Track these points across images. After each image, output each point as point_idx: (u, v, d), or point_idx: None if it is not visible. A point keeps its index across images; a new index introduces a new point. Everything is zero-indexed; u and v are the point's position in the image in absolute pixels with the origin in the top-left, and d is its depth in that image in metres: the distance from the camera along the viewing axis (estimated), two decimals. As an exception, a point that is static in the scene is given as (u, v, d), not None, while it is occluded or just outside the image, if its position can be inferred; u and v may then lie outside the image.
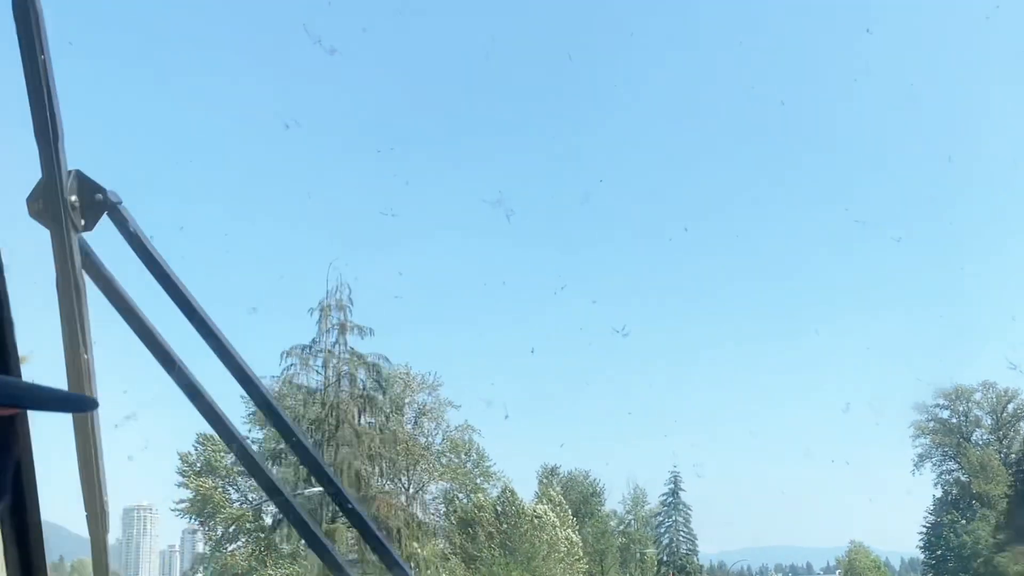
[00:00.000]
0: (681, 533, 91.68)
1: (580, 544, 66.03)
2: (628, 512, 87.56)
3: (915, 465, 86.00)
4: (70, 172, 2.21)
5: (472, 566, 56.49)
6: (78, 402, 1.13)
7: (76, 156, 2.22)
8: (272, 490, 2.55)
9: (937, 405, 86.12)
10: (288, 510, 2.53)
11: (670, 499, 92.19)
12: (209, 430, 2.69)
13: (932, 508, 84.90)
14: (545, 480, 78.34)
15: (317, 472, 2.58)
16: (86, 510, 2.45)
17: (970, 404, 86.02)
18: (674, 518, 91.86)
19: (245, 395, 2.47)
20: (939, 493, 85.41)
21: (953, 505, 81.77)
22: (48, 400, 1.13)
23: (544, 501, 65.72)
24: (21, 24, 2.06)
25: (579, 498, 78.39)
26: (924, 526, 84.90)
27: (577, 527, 69.49)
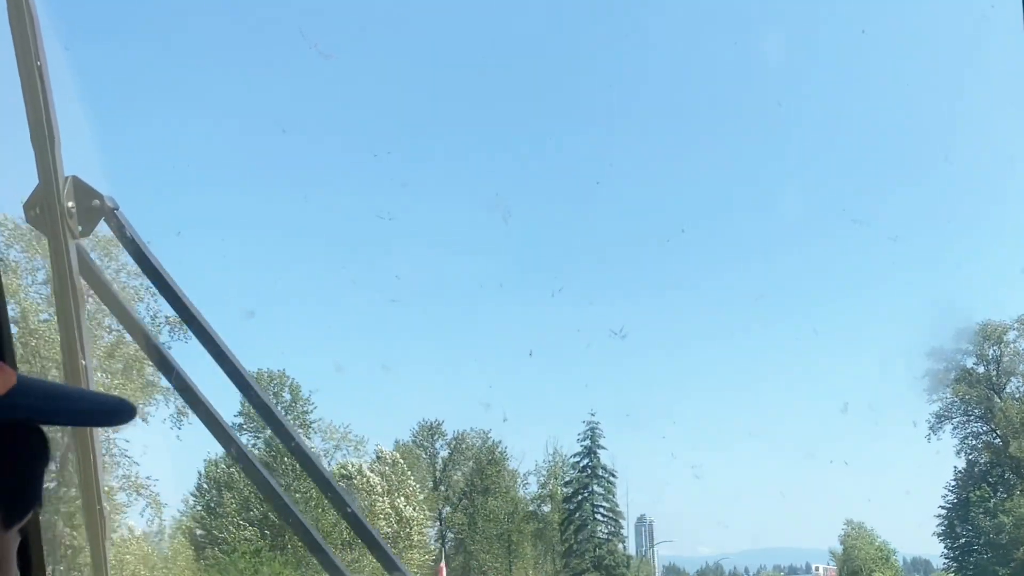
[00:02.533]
0: (600, 511, 66.14)
1: (420, 518, 52.60)
2: (544, 486, 67.35)
3: (931, 428, 65.50)
4: (67, 178, 2.21)
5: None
6: (118, 412, 1.11)
7: (73, 162, 2.23)
8: (270, 494, 2.55)
9: (959, 350, 64.83)
10: (287, 514, 2.52)
11: (584, 462, 67.20)
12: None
13: (953, 484, 65.26)
14: (418, 441, 63.23)
15: (316, 476, 2.58)
16: (84, 513, 2.46)
17: (1003, 347, 64.64)
18: (591, 488, 66.72)
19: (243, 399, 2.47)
20: (962, 464, 65.22)
21: (982, 478, 63.46)
22: (90, 413, 1.12)
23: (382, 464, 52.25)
24: (17, 30, 2.06)
25: (473, 468, 63.03)
26: (943, 508, 65.65)
27: (433, 497, 58.62)
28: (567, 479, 67.77)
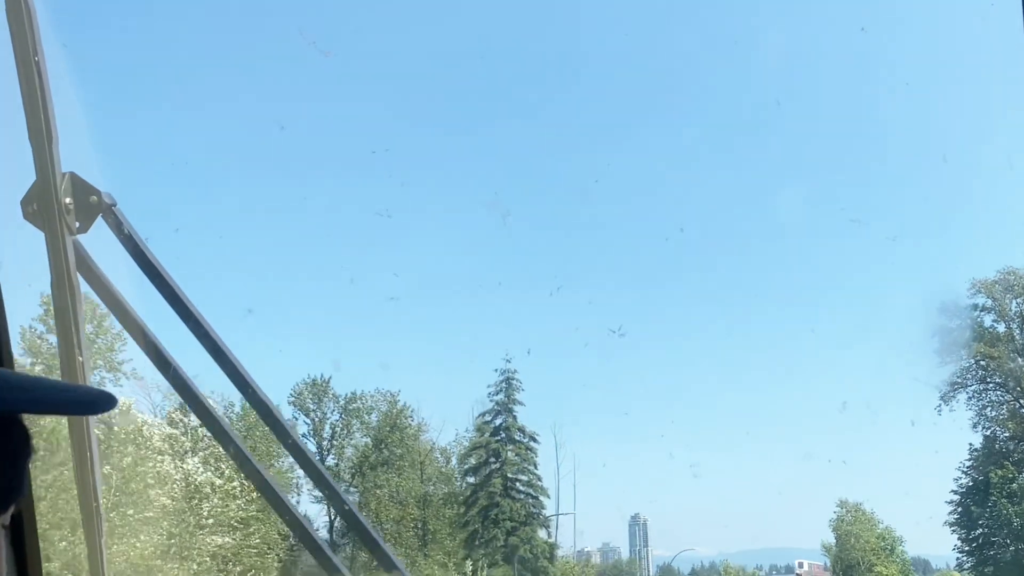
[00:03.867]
0: (516, 486, 52.98)
1: (226, 488, 36.90)
2: (465, 459, 54.60)
3: (942, 398, 53.62)
4: (64, 174, 2.20)
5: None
6: (94, 403, 1.12)
7: (70, 158, 2.22)
8: (268, 491, 2.55)
9: (976, 307, 53.16)
10: (283, 510, 2.52)
11: (497, 422, 53.55)
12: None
13: (968, 464, 54.00)
14: (299, 401, 50.47)
15: (313, 474, 2.58)
16: (81, 511, 2.45)
17: (1030, 299, 51.61)
18: (503, 457, 52.98)
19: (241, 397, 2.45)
20: (979, 440, 53.55)
21: (1003, 455, 52.14)
22: (63, 404, 1.13)
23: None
24: (15, 26, 2.05)
25: (376, 430, 50.99)
26: (955, 493, 54.20)
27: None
28: (472, 446, 53.61)
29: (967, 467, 54.31)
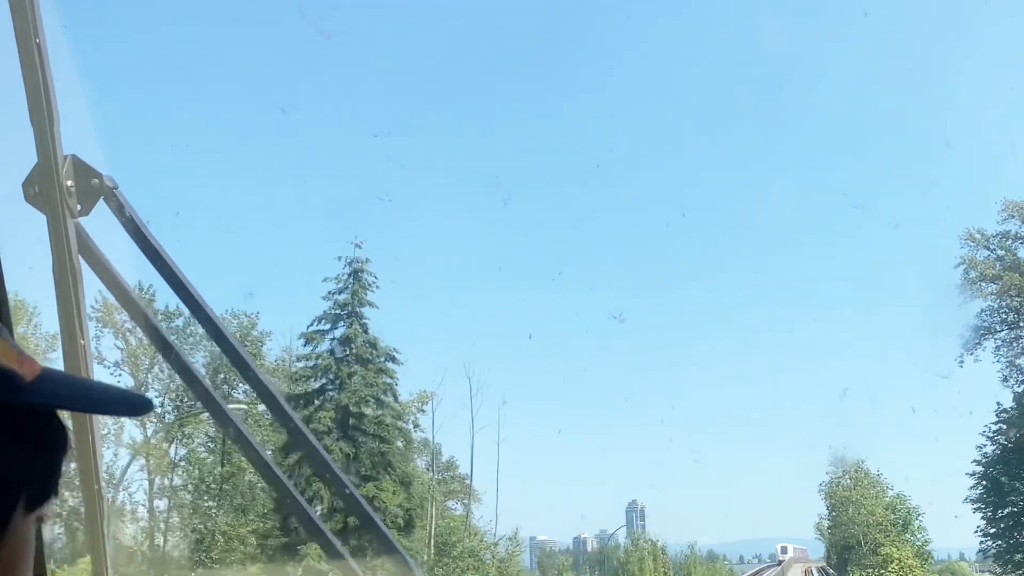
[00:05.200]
0: (355, 382, 37.93)
1: None
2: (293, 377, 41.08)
3: (965, 347, 42.34)
4: (66, 157, 2.20)
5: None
6: (136, 404, 1.15)
7: (72, 141, 2.22)
8: (268, 474, 2.56)
9: (1002, 236, 42.31)
10: (285, 494, 2.53)
11: (333, 332, 39.33)
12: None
13: (995, 427, 42.71)
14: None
15: (314, 457, 2.58)
16: (84, 504, 2.46)
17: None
18: (343, 380, 38.29)
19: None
20: (1008, 399, 41.72)
21: None
22: (109, 403, 1.15)
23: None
24: (16, 8, 2.04)
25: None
26: (977, 464, 43.15)
27: None
28: (293, 373, 40.20)
29: (993, 431, 43.05)
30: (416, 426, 44.92)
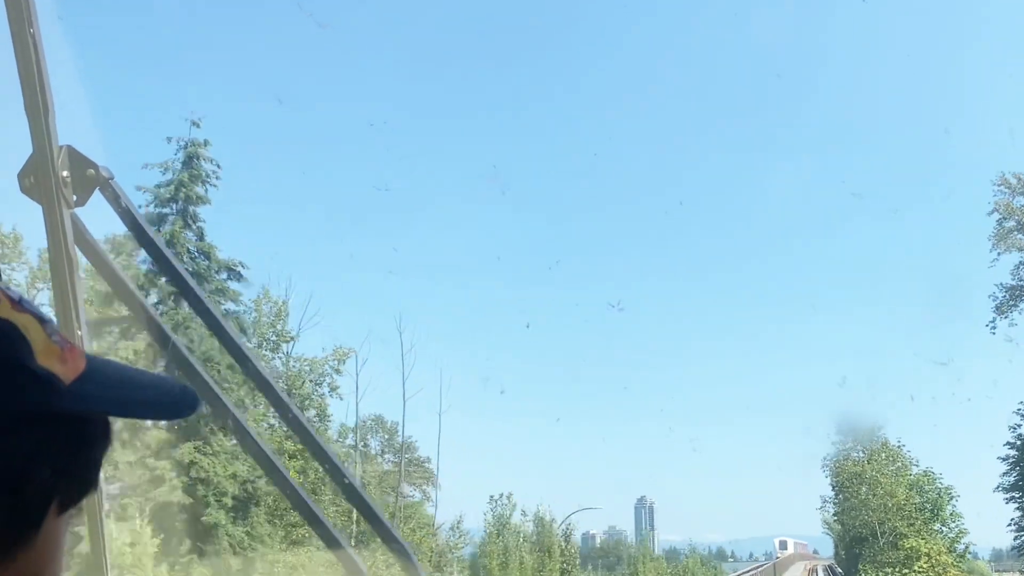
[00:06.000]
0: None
1: None
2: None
3: (997, 308, 36.10)
4: (61, 147, 2.19)
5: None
6: (185, 405, 1.08)
7: (67, 131, 2.21)
8: (267, 465, 2.56)
9: None
10: (284, 484, 2.53)
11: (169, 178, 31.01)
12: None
13: None
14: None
15: (313, 448, 2.59)
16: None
17: None
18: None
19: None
20: None
21: None
22: (158, 407, 1.09)
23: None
24: (10, -3, 2.03)
25: None
26: (1011, 448, 36.55)
27: None
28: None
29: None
30: (332, 389, 39.97)
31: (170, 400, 1.06)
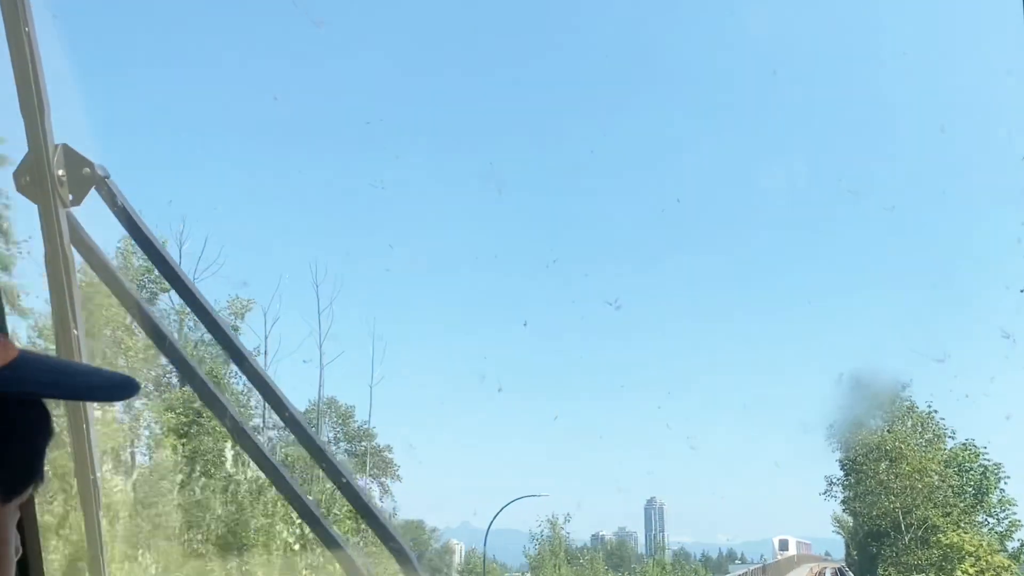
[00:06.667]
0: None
1: None
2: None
3: None
4: (57, 146, 2.18)
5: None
6: (121, 388, 1.10)
7: (63, 130, 2.20)
8: (265, 464, 2.55)
9: None
10: (281, 483, 2.52)
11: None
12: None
13: None
14: None
15: (311, 446, 2.58)
16: (78, 488, 2.45)
17: None
18: None
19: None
20: None
21: None
22: (91, 388, 1.10)
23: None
24: (4, -5, 2.02)
25: None
26: None
27: None
28: None
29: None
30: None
31: (107, 384, 1.07)
